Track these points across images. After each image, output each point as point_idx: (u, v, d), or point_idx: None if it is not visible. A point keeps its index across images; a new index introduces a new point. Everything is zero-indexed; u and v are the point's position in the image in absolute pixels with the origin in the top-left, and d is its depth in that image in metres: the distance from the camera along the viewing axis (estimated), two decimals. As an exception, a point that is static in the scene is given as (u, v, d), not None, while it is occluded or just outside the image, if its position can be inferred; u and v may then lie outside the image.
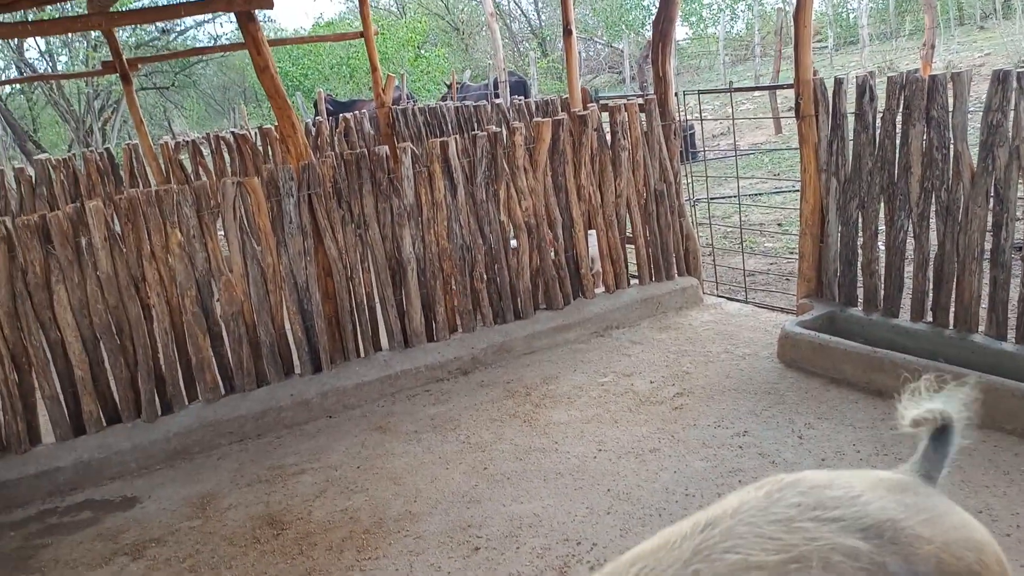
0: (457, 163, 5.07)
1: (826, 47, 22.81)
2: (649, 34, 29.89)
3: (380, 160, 4.88)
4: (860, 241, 4.66)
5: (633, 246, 5.82)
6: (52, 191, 8.37)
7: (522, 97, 9.20)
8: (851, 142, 4.57)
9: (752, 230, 8.05)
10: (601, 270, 5.68)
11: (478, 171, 5.13)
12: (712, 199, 9.11)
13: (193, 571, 3.47)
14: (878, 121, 4.37)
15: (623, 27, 27.21)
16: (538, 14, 32.03)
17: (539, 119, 5.36)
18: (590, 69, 30.09)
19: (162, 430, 4.52)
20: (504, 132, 5.26)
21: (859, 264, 4.71)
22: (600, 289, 5.78)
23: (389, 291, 5.04)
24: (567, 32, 6.57)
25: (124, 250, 4.43)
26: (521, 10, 32.50)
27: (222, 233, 4.67)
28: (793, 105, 4.87)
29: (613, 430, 4.16)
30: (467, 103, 9.03)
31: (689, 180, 6.42)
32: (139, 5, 17.10)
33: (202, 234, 4.58)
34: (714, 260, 6.49)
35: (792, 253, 6.94)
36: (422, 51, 26.01)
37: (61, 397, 4.44)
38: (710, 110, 15.26)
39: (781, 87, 5.47)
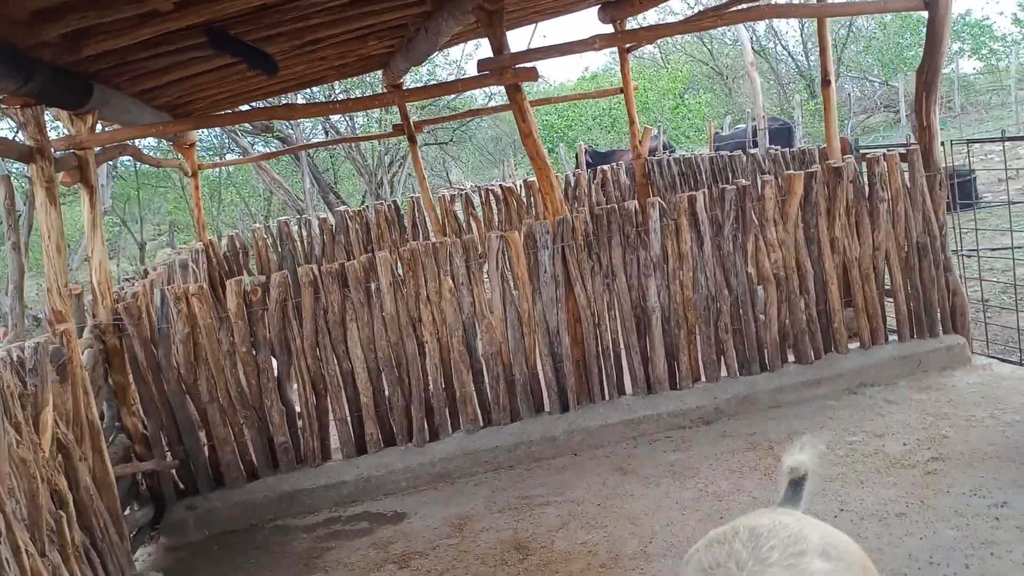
0: (704, 216, 5.22)
1: None
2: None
3: (628, 214, 5.17)
4: None
5: (892, 301, 5.58)
6: (348, 238, 9.63)
7: (778, 147, 9.08)
8: None
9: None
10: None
11: (725, 224, 5.25)
12: (994, 250, 8.38)
13: (449, 583, 3.89)
14: None
15: (900, 65, 25.57)
16: (806, 55, 30.94)
17: (791, 172, 5.37)
18: (864, 108, 28.48)
19: (429, 455, 5.08)
20: (755, 185, 5.32)
21: None
22: (854, 344, 5.60)
23: (634, 338, 5.28)
24: (825, 82, 6.48)
25: (405, 294, 5.08)
26: (788, 52, 31.62)
27: (487, 280, 5.20)
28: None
29: (858, 491, 4.05)
30: (722, 153, 9.09)
31: (957, 230, 6.01)
32: (425, 71, 18.99)
33: (469, 281, 5.12)
34: (984, 317, 6.01)
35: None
36: (684, 98, 26.20)
37: (349, 420, 5.15)
38: (997, 152, 13.93)
39: (1066, 133, 5.02)
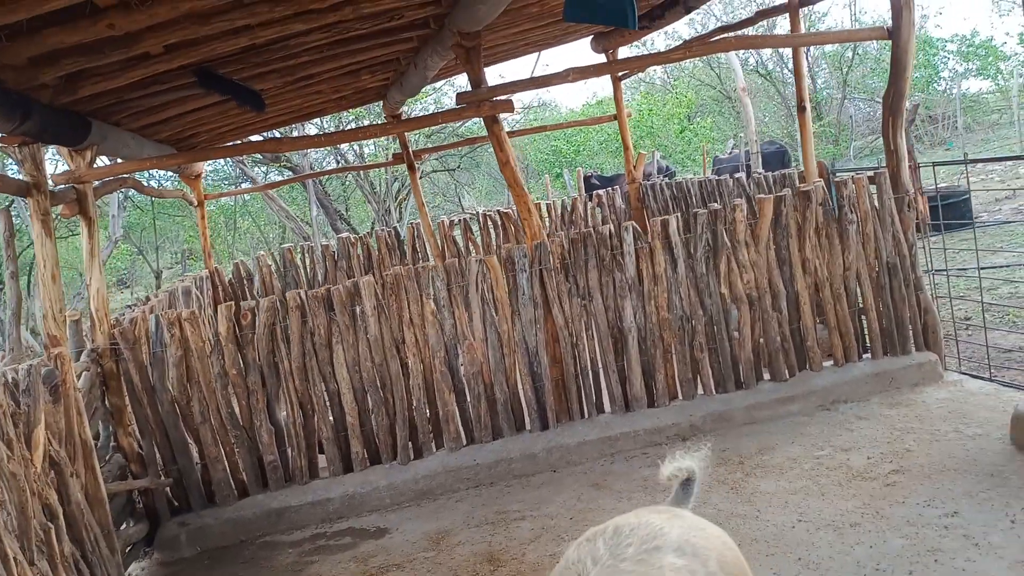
0: (677, 239, 5.41)
1: None
2: (941, 91, 27.81)
3: (604, 238, 5.37)
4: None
5: (865, 319, 5.73)
6: (350, 264, 9.88)
7: (771, 169, 9.27)
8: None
9: (1019, 303, 7.40)
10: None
11: (698, 246, 5.43)
12: (983, 268, 8.49)
13: (421, 593, 4.07)
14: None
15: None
16: (812, 78, 31.15)
17: (761, 196, 5.55)
18: (871, 130, 28.65)
19: (412, 472, 5.26)
20: (727, 208, 5.50)
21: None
22: (829, 362, 5.74)
23: (611, 358, 5.45)
24: (801, 108, 6.68)
25: (388, 317, 5.29)
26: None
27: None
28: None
29: (818, 502, 4.19)
30: (711, 177, 9.28)
31: (929, 250, 6.16)
32: (432, 100, 19.36)
33: (450, 304, 5.33)
34: (955, 335, 6.14)
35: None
36: (691, 122, 26.45)
37: (335, 439, 5.35)
38: (997, 172, 14.05)
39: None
